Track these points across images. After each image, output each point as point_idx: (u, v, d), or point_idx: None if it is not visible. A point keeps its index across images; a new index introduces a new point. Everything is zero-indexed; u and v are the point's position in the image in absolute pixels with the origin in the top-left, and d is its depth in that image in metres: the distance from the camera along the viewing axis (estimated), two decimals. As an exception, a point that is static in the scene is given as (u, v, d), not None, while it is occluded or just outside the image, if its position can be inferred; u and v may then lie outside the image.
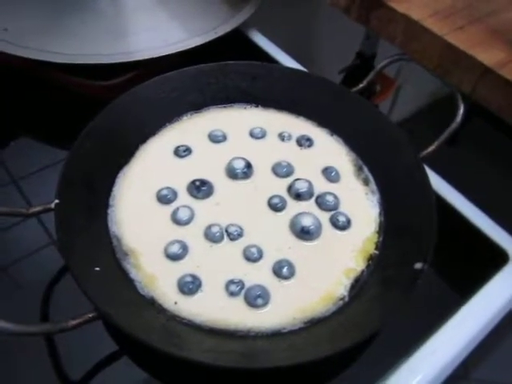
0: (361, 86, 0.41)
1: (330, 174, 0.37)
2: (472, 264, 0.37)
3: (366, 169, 0.38)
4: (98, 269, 0.29)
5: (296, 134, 0.40)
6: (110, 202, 0.34)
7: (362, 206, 0.35)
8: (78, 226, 0.30)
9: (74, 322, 0.26)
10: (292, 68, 0.45)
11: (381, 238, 0.34)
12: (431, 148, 0.36)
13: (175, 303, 0.30)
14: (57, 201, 0.30)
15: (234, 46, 0.49)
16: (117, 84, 0.41)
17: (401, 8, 0.36)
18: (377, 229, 0.34)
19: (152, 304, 0.30)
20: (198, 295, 0.30)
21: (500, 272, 0.34)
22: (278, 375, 0.28)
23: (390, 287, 0.30)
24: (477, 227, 0.37)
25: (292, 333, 0.29)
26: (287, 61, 0.49)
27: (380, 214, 0.35)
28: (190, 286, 0.30)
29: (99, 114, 0.36)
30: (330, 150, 0.39)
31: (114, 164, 0.36)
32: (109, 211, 0.34)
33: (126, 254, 0.32)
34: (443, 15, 0.36)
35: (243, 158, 0.37)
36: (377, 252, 0.33)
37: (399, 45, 0.38)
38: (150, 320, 0.28)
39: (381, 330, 0.29)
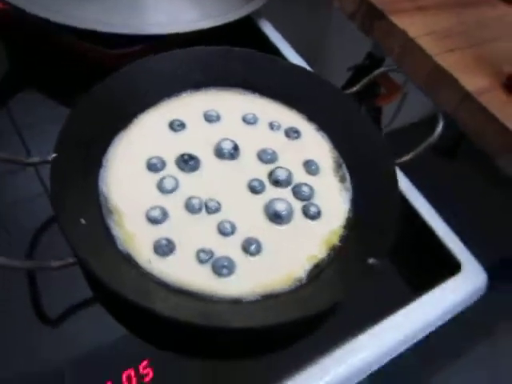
0: (354, 89, 0.43)
1: (310, 166, 0.40)
2: (428, 267, 0.40)
3: (344, 167, 0.41)
4: (83, 221, 0.32)
5: (286, 125, 0.42)
6: (103, 163, 0.37)
7: (334, 201, 0.38)
8: (70, 180, 0.33)
9: (54, 264, 0.29)
10: (293, 64, 0.47)
11: (345, 233, 0.37)
12: (406, 157, 0.39)
13: (149, 261, 0.33)
14: (54, 155, 0.33)
15: (242, 33, 0.51)
16: (125, 54, 0.43)
17: (401, 23, 0.39)
18: (344, 223, 0.37)
19: (128, 260, 0.32)
20: (171, 257, 0.33)
21: (448, 280, 0.38)
22: (233, 337, 0.32)
23: (344, 276, 0.33)
24: (437, 235, 0.40)
25: (249, 303, 0.32)
26: (292, 55, 0.52)
27: (349, 210, 0.38)
28: (164, 248, 0.33)
29: (104, 80, 0.39)
30: (315, 144, 0.42)
31: (112, 128, 0.38)
32: (101, 171, 0.36)
33: (110, 212, 0.34)
34: (438, 36, 0.38)
35: (232, 140, 0.39)
36: (339, 244, 0.36)
37: (395, 57, 0.41)
38: (124, 273, 0.31)
39: (327, 310, 0.32)
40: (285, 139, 0.41)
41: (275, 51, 0.52)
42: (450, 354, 0.45)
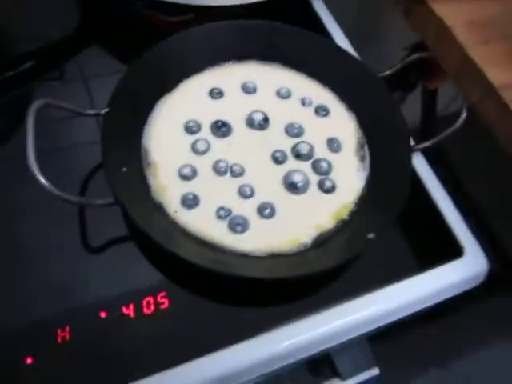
0: (387, 73, 0.45)
1: (333, 144, 0.42)
2: (432, 247, 0.42)
3: (366, 147, 0.43)
4: (125, 169, 0.37)
5: (316, 103, 0.45)
6: (148, 120, 0.42)
7: (350, 178, 0.41)
8: (118, 133, 0.38)
9: (98, 202, 0.35)
10: (335, 45, 0.48)
11: (355, 208, 0.40)
12: (425, 144, 0.41)
13: (175, 212, 0.38)
14: (106, 109, 0.38)
15: (293, 10, 0.53)
16: (178, 22, 0.47)
17: (439, 10, 0.39)
18: (356, 200, 0.40)
19: (158, 208, 0.38)
20: (194, 210, 0.38)
21: (449, 263, 0.40)
22: (239, 284, 0.36)
23: (344, 246, 0.37)
24: (445, 217, 0.42)
25: (256, 258, 0.37)
26: (339, 37, 0.52)
27: (363, 188, 0.41)
28: (190, 201, 0.38)
29: (156, 45, 0.43)
30: (342, 123, 0.44)
31: (159, 90, 0.43)
32: (145, 127, 0.42)
33: (149, 164, 0.40)
34: (476, 26, 0.38)
35: (263, 112, 0.43)
36: (348, 218, 0.39)
37: (430, 45, 0.42)
38: (154, 219, 0.37)
39: (327, 272, 0.36)
40: (314, 115, 0.44)
41: (323, 30, 0.53)
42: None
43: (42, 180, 0.32)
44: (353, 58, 0.46)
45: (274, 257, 0.37)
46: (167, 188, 0.39)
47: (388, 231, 0.37)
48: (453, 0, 0.40)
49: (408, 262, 0.41)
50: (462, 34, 0.38)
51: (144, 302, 0.35)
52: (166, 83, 0.43)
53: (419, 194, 0.43)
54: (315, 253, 0.37)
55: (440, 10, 0.39)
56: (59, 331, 0.34)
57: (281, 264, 0.36)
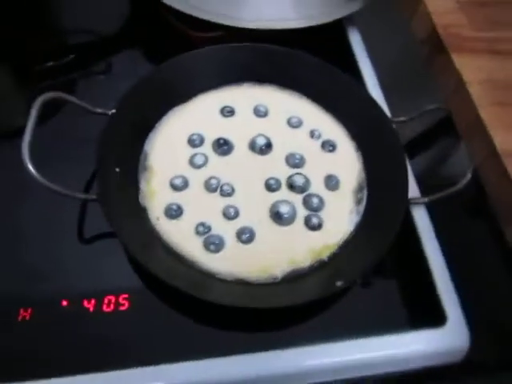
0: (402, 119, 0.43)
1: (331, 181, 0.41)
2: (415, 307, 0.39)
3: (365, 191, 0.42)
4: (117, 170, 0.39)
5: (325, 137, 0.44)
6: (155, 127, 0.43)
7: (340, 220, 0.40)
8: (119, 135, 0.40)
9: (81, 195, 0.37)
10: (356, 83, 0.47)
11: (337, 251, 0.39)
12: (424, 199, 0.39)
13: (157, 219, 0.39)
14: (113, 110, 0.40)
15: (329, 37, 0.52)
16: (207, 37, 0.48)
17: (458, 62, 0.37)
18: (340, 243, 0.39)
19: (142, 212, 0.39)
20: (175, 221, 0.39)
21: (428, 330, 0.37)
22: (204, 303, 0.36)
23: (313, 289, 0.36)
24: (434, 280, 0.39)
25: (222, 281, 0.36)
26: (369, 74, 0.51)
27: (351, 232, 0.39)
28: (173, 212, 0.39)
29: (178, 57, 0.45)
30: (346, 162, 0.43)
31: (172, 100, 0.44)
32: (150, 133, 0.43)
33: (144, 169, 0.41)
34: (493, 86, 0.36)
35: (267, 138, 0.43)
36: (326, 260, 0.38)
37: (446, 97, 0.40)
38: (134, 222, 0.38)
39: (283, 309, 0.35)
40: (319, 149, 0.44)
41: (354, 65, 0.52)
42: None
43: (30, 167, 0.34)
44: (371, 99, 0.45)
45: (241, 283, 0.36)
46: (155, 194, 0.40)
47: (361, 282, 0.35)
48: (474, 53, 0.38)
49: (387, 318, 0.39)
50: (477, 92, 0.36)
51: (105, 300, 0.36)
52: (181, 95, 0.45)
53: (415, 250, 0.41)
54: (283, 288, 0.36)
55: (459, 62, 0.37)
56: (22, 310, 0.35)
57: (245, 292, 0.36)
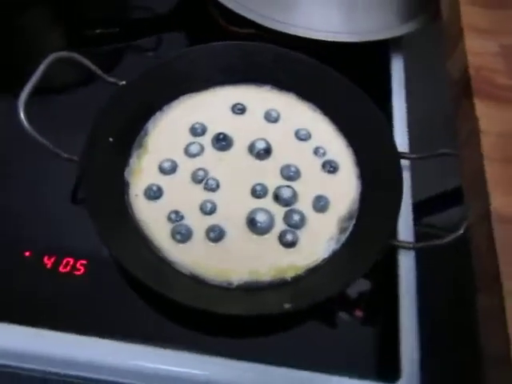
0: (414, 156, 0.40)
1: (319, 202, 0.39)
2: (372, 354, 0.37)
3: (353, 222, 0.39)
4: (111, 140, 0.39)
5: (329, 157, 0.42)
6: (163, 108, 0.43)
7: (317, 244, 0.38)
8: (122, 107, 0.40)
9: (64, 155, 0.37)
10: (380, 114, 0.43)
11: (304, 274, 0.37)
12: (410, 245, 0.36)
13: (136, 195, 0.39)
14: (124, 82, 0.41)
15: (369, 51, 0.50)
16: (241, 33, 0.48)
17: (480, 108, 0.34)
18: (308, 267, 0.37)
19: (124, 186, 0.39)
20: (151, 203, 0.38)
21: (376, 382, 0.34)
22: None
23: (260, 305, 0.34)
24: (400, 335, 0.36)
25: (177, 272, 0.36)
26: (399, 107, 0.48)
27: (323, 260, 0.37)
28: (152, 193, 0.39)
29: (204, 45, 0.45)
30: (343, 187, 0.41)
31: (188, 87, 0.44)
32: (158, 113, 0.43)
33: (140, 145, 0.41)
34: (506, 141, 0.33)
35: (267, 143, 0.41)
36: (289, 280, 0.36)
37: (459, 142, 0.37)
38: (111, 194, 0.38)
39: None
40: (319, 167, 0.42)
41: (387, 91, 0.50)
42: None
43: (22, 117, 0.35)
44: (388, 132, 0.42)
45: (194, 279, 0.36)
46: (142, 172, 0.40)
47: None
48: (501, 103, 0.35)
49: (339, 358, 0.37)
50: (489, 144, 0.32)
51: (64, 261, 0.37)
52: (197, 83, 0.44)
53: (390, 296, 0.38)
54: (233, 295, 0.35)
55: (481, 108, 0.34)
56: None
57: (195, 289, 0.35)
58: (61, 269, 0.37)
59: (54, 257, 0.37)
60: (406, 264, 0.38)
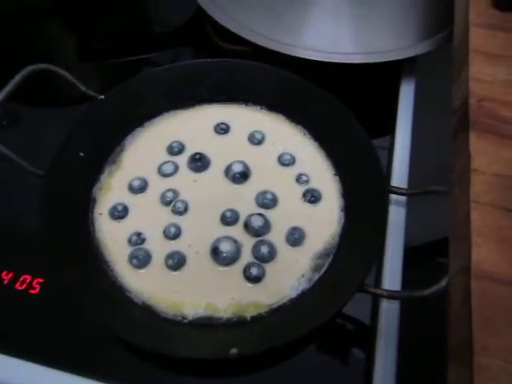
0: (407, 190, 0.36)
1: (293, 234, 0.36)
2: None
3: (329, 260, 0.35)
4: (82, 154, 0.38)
5: (312, 185, 0.39)
6: (144, 125, 0.42)
7: (285, 282, 0.34)
8: (102, 120, 0.39)
9: (38, 172, 0.36)
10: (374, 151, 0.38)
11: (264, 315, 0.33)
12: (384, 294, 0.32)
13: (100, 214, 0.37)
14: (102, 96, 0.40)
15: (379, 80, 0.46)
16: (234, 50, 0.46)
17: (475, 144, 0.30)
18: (271, 307, 0.33)
19: (90, 202, 0.37)
20: (115, 223, 0.37)
21: None
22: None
23: (210, 345, 0.31)
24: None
25: (130, 301, 0.33)
26: (402, 135, 0.44)
27: (289, 300, 0.34)
28: (116, 212, 0.37)
29: (194, 61, 0.43)
30: (323, 220, 0.37)
31: (173, 103, 0.42)
32: (137, 129, 0.42)
33: (114, 162, 0.40)
34: (506, 185, 0.28)
35: (245, 166, 0.39)
36: (248, 319, 0.33)
37: (451, 179, 0.32)
38: (74, 210, 0.36)
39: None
40: (299, 196, 0.38)
41: (392, 117, 0.45)
42: None
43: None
44: (379, 166, 0.38)
45: (145, 308, 0.33)
46: (110, 189, 0.38)
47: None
48: (501, 139, 0.30)
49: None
50: (480, 185, 0.28)
51: (21, 277, 0.36)
52: (184, 100, 0.43)
53: (367, 347, 0.34)
54: (181, 331, 0.32)
55: (477, 144, 0.30)
56: None
57: (143, 323, 0.32)
58: (17, 286, 0.36)
59: (12, 273, 0.36)
60: (388, 313, 0.34)
